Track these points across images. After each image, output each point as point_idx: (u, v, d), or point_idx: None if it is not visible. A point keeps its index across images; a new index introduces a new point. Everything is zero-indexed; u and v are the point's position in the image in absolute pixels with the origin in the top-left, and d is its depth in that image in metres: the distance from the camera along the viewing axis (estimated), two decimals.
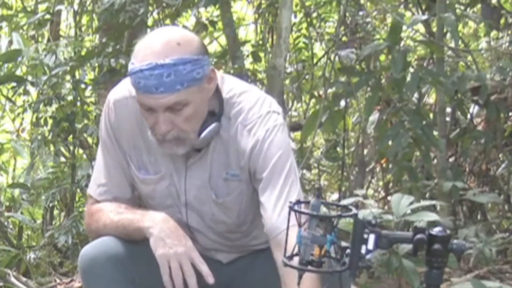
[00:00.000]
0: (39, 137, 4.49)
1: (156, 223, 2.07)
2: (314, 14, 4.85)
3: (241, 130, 2.10)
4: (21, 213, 4.83)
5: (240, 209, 2.16)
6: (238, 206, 2.16)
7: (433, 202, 3.46)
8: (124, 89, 2.18)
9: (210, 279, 2.04)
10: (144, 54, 1.97)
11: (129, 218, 2.13)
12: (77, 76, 4.39)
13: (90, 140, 4.58)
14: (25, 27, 4.88)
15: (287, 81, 4.77)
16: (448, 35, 4.33)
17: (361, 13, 4.72)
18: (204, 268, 2.05)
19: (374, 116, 4.01)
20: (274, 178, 2.07)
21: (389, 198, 4.69)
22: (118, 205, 2.19)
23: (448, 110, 4.39)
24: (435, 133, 3.92)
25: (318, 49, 5.27)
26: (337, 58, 4.50)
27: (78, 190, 4.59)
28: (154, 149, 2.15)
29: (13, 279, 3.90)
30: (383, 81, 4.22)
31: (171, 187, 2.17)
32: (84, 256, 2.13)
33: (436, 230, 1.62)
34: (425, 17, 4.09)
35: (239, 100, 2.12)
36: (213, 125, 2.07)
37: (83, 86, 4.46)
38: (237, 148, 2.10)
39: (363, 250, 1.59)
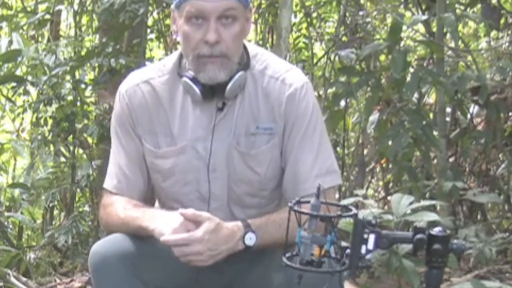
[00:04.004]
0: (39, 137, 4.49)
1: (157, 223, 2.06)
2: (314, 14, 4.85)
3: (274, 82, 2.16)
4: (21, 213, 4.82)
5: (271, 163, 2.16)
6: (269, 160, 2.16)
7: (433, 202, 3.45)
8: (132, 78, 2.24)
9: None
10: None
11: (133, 216, 2.13)
12: (77, 76, 4.40)
13: (90, 140, 4.58)
14: (25, 27, 4.88)
15: None
16: (448, 35, 4.33)
17: (361, 13, 4.72)
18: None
19: (374, 116, 4.00)
20: (308, 136, 2.14)
21: (389, 198, 4.69)
22: (128, 201, 2.20)
23: (448, 110, 4.39)
24: (435, 133, 3.91)
25: (318, 49, 5.27)
26: (337, 58, 4.50)
27: (78, 190, 4.60)
28: (170, 129, 2.17)
29: (13, 279, 3.89)
30: (383, 81, 4.22)
31: (193, 160, 2.17)
32: (94, 253, 2.12)
33: (436, 230, 1.62)
34: (425, 17, 4.08)
35: (264, 58, 2.20)
36: (241, 72, 2.12)
37: (83, 86, 4.47)
38: (271, 100, 2.15)
39: (363, 250, 1.59)
